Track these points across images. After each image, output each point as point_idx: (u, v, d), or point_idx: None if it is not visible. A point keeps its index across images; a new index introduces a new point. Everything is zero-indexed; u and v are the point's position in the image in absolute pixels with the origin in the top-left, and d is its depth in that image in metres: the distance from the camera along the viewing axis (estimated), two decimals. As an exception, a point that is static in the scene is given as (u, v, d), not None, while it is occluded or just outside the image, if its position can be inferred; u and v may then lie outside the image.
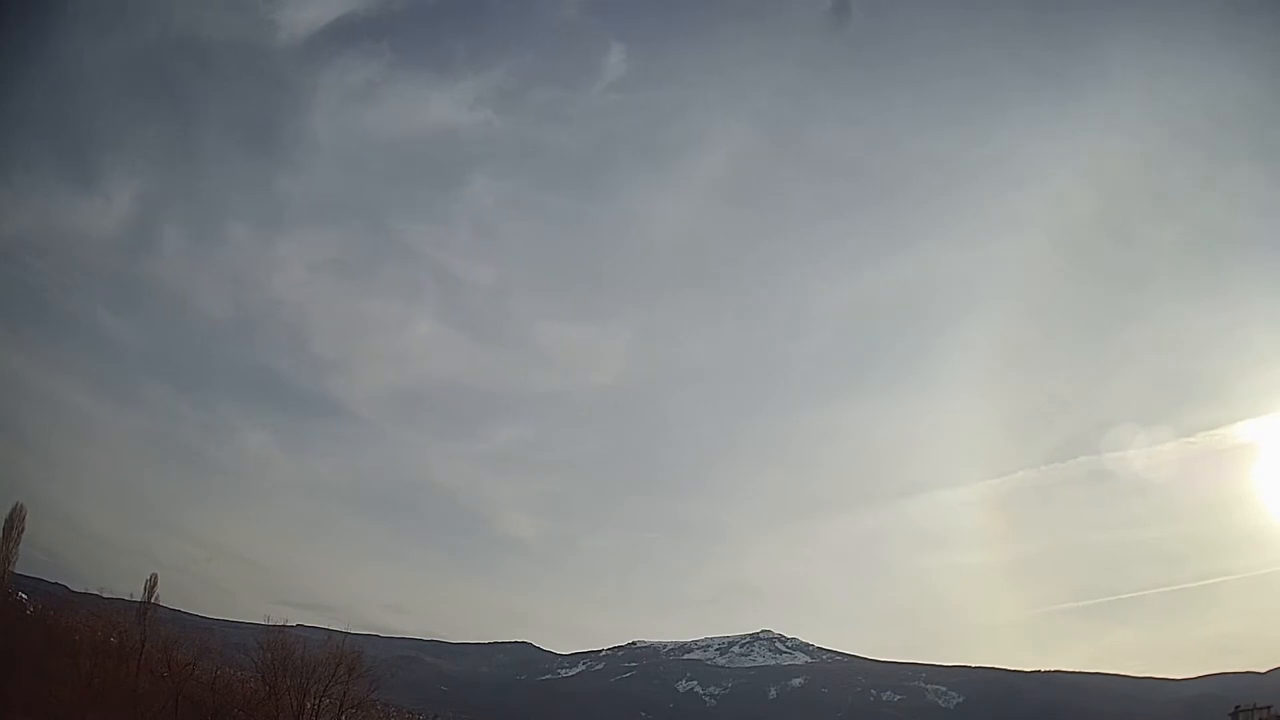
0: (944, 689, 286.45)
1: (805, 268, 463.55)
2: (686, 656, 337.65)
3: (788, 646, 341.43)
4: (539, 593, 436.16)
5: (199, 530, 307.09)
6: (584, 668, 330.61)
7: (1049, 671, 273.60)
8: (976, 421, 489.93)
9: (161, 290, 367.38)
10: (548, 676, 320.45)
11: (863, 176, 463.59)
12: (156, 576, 68.08)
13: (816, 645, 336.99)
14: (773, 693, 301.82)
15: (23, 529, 75.06)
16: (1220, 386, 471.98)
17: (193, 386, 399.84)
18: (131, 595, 64.22)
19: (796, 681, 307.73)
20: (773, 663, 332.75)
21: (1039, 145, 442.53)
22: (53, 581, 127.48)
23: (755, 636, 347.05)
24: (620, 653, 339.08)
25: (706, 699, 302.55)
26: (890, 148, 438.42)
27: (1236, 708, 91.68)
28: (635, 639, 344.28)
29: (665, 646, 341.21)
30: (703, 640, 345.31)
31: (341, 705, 59.03)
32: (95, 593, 72.80)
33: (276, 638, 59.35)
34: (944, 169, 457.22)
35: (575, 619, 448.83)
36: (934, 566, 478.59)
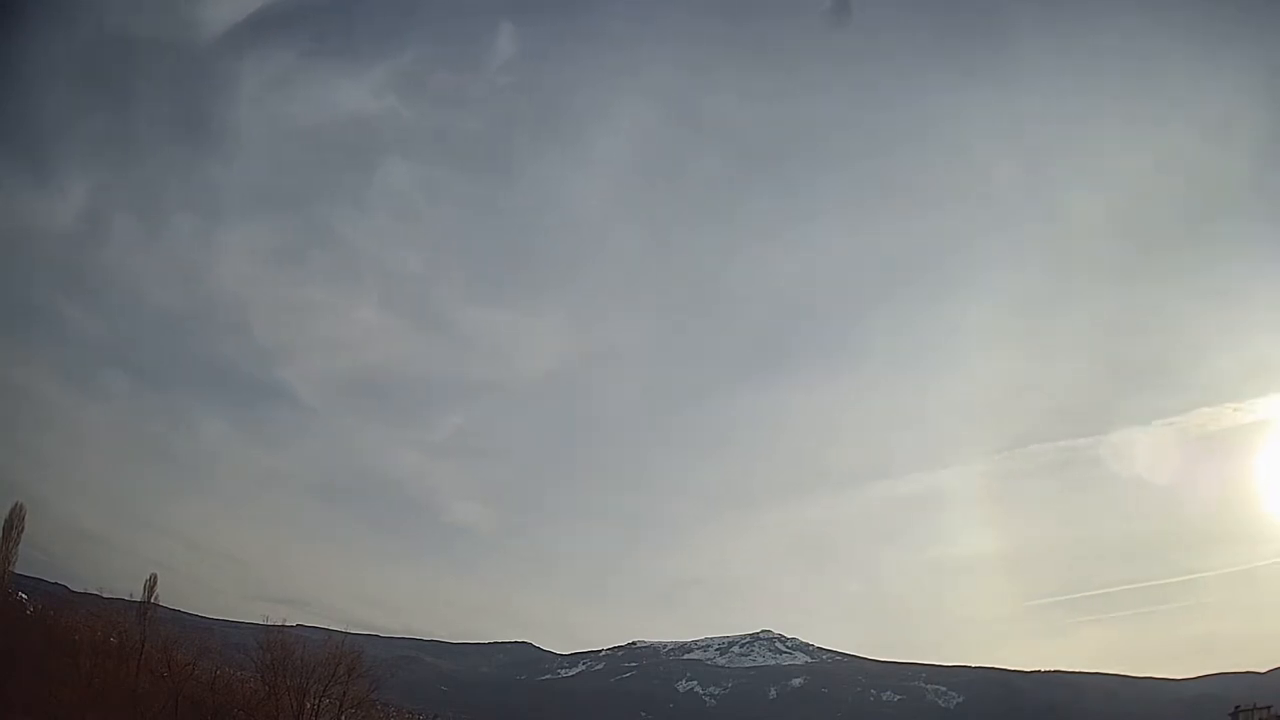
0: (944, 689, 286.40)
1: (727, 245, 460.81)
2: (686, 656, 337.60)
3: (788, 646, 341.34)
4: (494, 584, 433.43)
5: (173, 524, 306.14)
6: (584, 668, 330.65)
7: (1049, 671, 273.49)
8: (915, 407, 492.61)
9: (116, 281, 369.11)
10: (548, 676, 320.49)
11: (777, 150, 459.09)
12: (156, 576, 68.11)
13: (816, 645, 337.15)
14: (773, 693, 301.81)
15: (23, 529, 75.08)
16: (1181, 370, 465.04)
17: (152, 377, 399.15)
18: (131, 595, 64.27)
19: (796, 681, 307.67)
20: (773, 663, 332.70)
21: (963, 112, 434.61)
22: (53, 581, 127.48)
23: (755, 636, 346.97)
24: (620, 653, 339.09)
25: (706, 699, 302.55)
26: (799, 118, 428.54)
27: (1236, 708, 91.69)
28: (635, 639, 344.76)
29: (665, 646, 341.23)
30: (703, 640, 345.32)
31: (341, 705, 59.10)
32: (95, 593, 72.84)
33: (276, 638, 59.47)
34: (861, 138, 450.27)
35: (575, 619, 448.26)
36: (892, 559, 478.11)
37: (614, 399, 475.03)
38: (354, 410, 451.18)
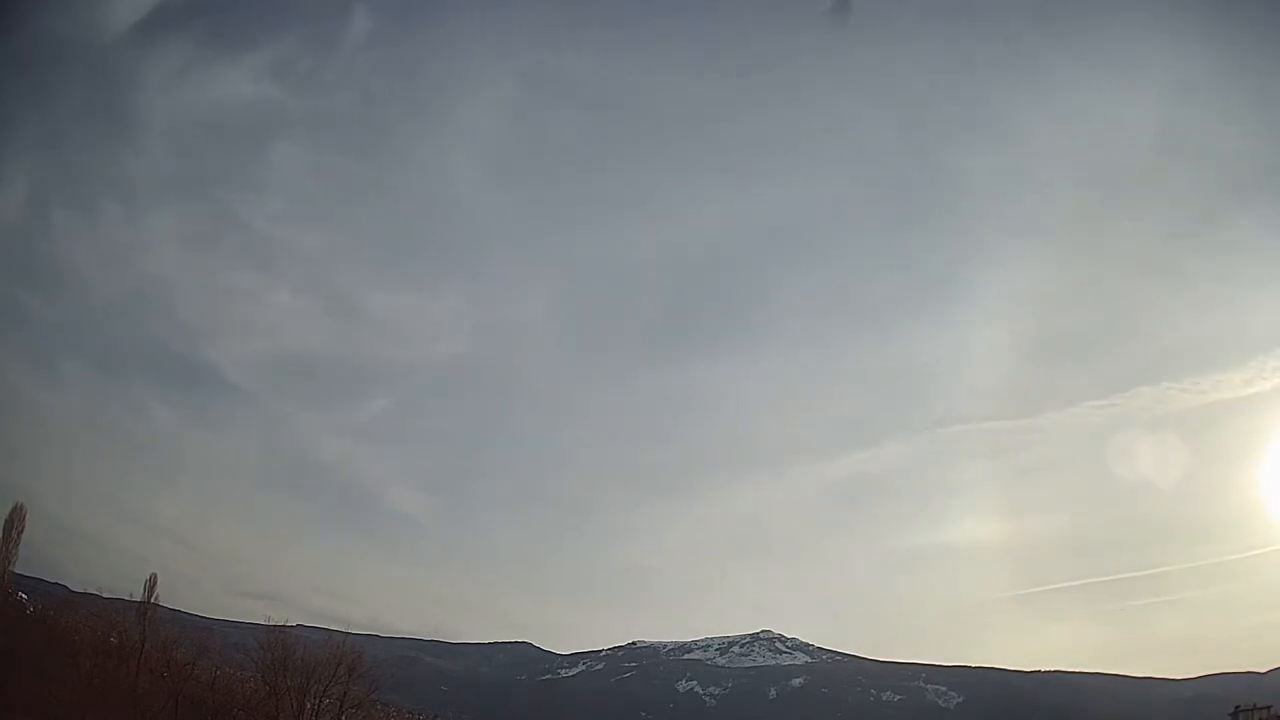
0: (944, 689, 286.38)
1: (616, 217, 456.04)
2: (686, 656, 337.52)
3: (788, 646, 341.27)
4: (437, 573, 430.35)
5: (138, 514, 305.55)
6: (584, 668, 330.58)
7: (1049, 671, 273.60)
8: (834, 386, 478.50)
9: (62, 270, 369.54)
10: (548, 676, 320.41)
11: (645, 113, 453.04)
12: (156, 576, 68.07)
13: (816, 645, 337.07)
14: (773, 693, 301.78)
15: (23, 529, 74.99)
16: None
17: (104, 364, 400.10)
18: (131, 595, 64.26)
19: (796, 681, 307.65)
20: (773, 663, 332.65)
21: (843, 70, 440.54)
22: (53, 581, 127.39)
23: (755, 636, 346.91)
24: (620, 653, 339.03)
25: (706, 699, 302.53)
26: (662, 78, 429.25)
27: (1236, 708, 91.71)
28: (635, 639, 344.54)
29: (665, 646, 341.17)
30: (703, 640, 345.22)
31: (341, 705, 59.07)
32: (95, 593, 72.80)
33: (276, 638, 59.46)
34: (740, 98, 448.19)
35: (574, 618, 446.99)
36: (836, 548, 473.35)
37: (527, 381, 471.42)
38: (284, 394, 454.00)
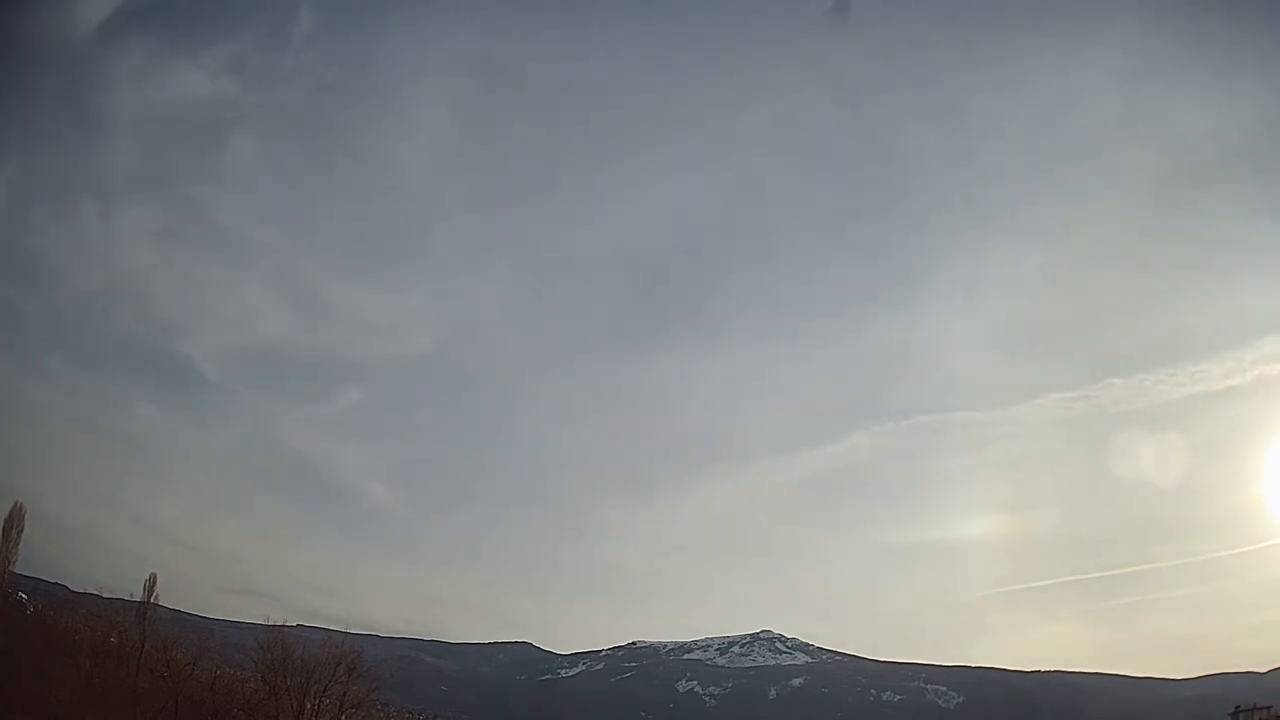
0: (944, 689, 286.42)
1: (569, 207, 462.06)
2: (686, 656, 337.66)
3: (788, 646, 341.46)
4: (419, 568, 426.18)
5: (127, 509, 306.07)
6: (584, 668, 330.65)
7: (1049, 671, 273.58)
8: (792, 378, 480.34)
9: (40, 264, 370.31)
10: (548, 676, 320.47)
11: (601, 107, 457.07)
12: (155, 576, 68.06)
13: (816, 645, 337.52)
14: (773, 693, 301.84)
15: (23, 529, 74.92)
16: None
17: (86, 359, 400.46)
18: (131, 595, 64.24)
19: (796, 681, 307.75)
20: (773, 663, 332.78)
21: (781, 58, 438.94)
22: (53, 581, 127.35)
23: (755, 636, 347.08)
24: (620, 653, 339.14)
25: (706, 699, 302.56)
26: (615, 71, 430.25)
27: (1236, 708, 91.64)
28: (635, 639, 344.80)
29: (665, 646, 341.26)
30: (703, 640, 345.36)
31: (341, 705, 59.07)
32: (95, 593, 72.77)
33: (276, 638, 59.46)
34: (689, 89, 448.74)
35: (575, 618, 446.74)
36: (811, 543, 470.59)
37: (494, 376, 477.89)
38: (258, 388, 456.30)
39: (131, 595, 63.76)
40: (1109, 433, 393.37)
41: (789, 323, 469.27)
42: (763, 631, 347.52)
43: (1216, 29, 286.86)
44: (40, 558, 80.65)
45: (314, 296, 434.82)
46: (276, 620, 64.91)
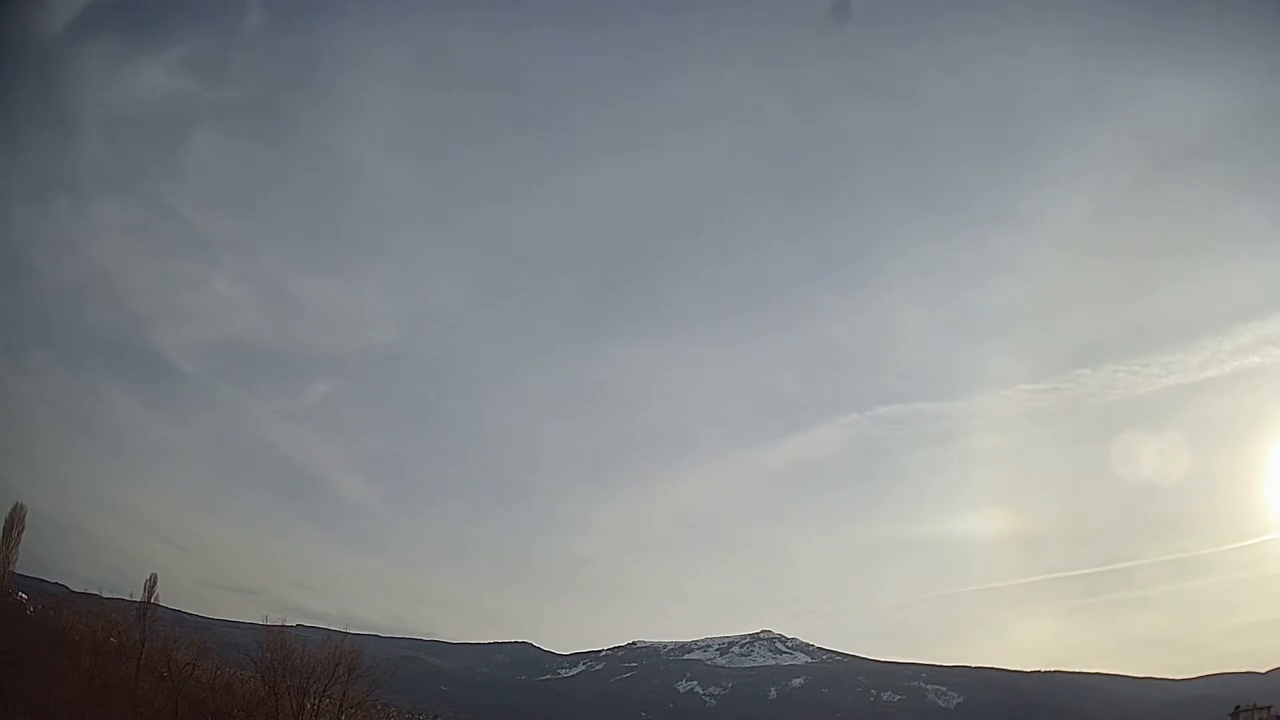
0: (944, 689, 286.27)
1: (520, 196, 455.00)
2: (686, 656, 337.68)
3: (788, 646, 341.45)
4: (395, 564, 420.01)
5: (115, 507, 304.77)
6: (584, 668, 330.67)
7: (1049, 671, 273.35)
8: (739, 365, 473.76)
9: (20, 261, 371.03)
10: (548, 676, 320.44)
11: (548, 94, 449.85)
12: (156, 576, 68.26)
13: (816, 645, 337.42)
14: (773, 693, 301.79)
15: (23, 529, 75.10)
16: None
17: (64, 353, 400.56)
18: (131, 595, 64.34)
19: (796, 682, 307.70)
20: (773, 663, 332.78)
21: (726, 49, 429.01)
22: (53, 581, 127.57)
23: (755, 637, 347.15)
24: (620, 653, 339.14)
25: (706, 699, 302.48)
26: (565, 60, 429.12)
27: (1237, 708, 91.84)
28: (635, 639, 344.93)
29: (665, 646, 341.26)
30: (703, 640, 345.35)
31: (341, 705, 59.09)
32: (95, 593, 72.83)
33: (277, 638, 59.43)
34: (628, 79, 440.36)
35: (575, 618, 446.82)
36: (787, 540, 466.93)
37: (458, 368, 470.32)
38: (231, 381, 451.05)
39: (131, 595, 63.99)
40: (1083, 427, 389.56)
41: (745, 313, 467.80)
42: (763, 632, 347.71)
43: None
44: (30, 555, 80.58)
45: (280, 290, 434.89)
46: (276, 620, 64.94)
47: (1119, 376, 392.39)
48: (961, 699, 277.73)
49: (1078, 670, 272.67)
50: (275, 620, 64.60)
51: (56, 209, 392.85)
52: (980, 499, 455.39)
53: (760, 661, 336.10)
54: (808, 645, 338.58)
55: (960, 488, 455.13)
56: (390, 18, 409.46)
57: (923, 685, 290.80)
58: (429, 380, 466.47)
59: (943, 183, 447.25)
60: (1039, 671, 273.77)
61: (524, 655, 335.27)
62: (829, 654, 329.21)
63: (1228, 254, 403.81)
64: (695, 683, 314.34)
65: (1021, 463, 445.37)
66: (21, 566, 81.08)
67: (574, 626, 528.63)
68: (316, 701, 57.74)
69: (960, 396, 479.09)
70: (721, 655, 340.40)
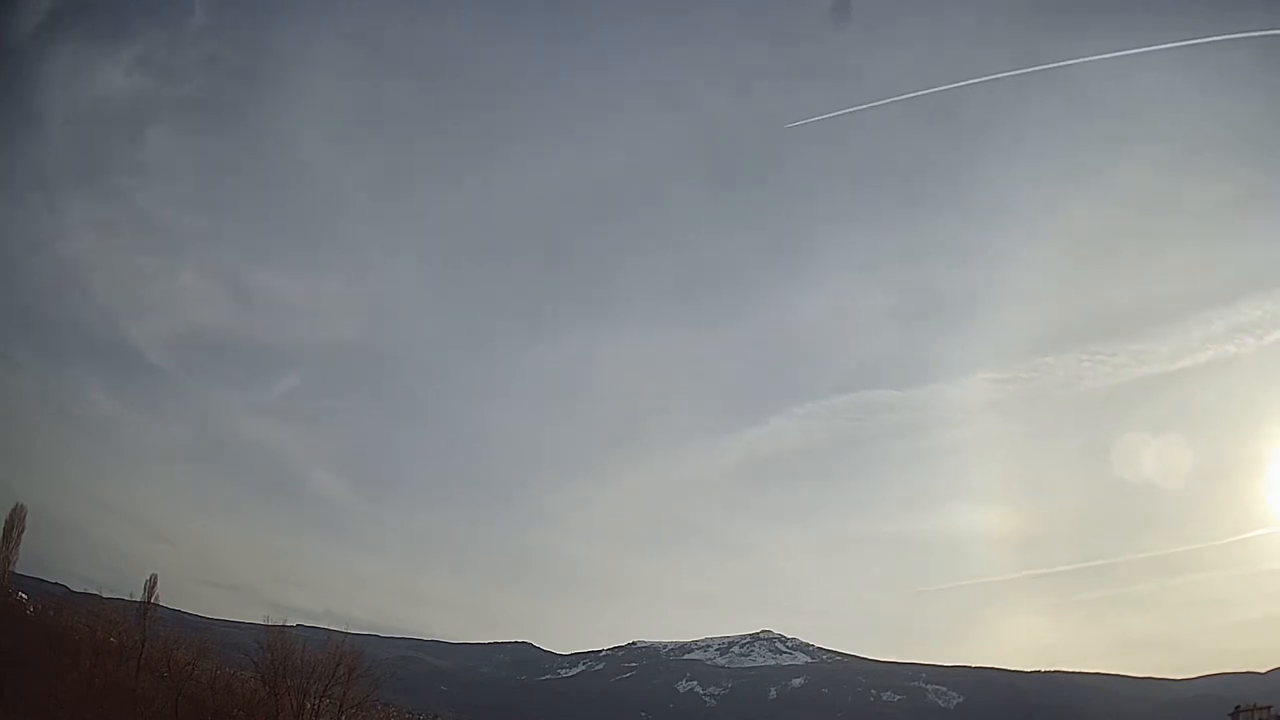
0: (944, 689, 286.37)
1: (461, 184, 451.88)
2: (686, 656, 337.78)
3: (788, 646, 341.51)
4: (367, 561, 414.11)
5: (102, 501, 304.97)
6: (584, 668, 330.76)
7: (1049, 671, 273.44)
8: (689, 355, 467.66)
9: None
10: (548, 676, 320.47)
11: (487, 82, 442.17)
12: (156, 577, 68.30)
13: (816, 645, 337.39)
14: (773, 693, 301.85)
15: (23, 529, 75.10)
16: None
17: (44, 348, 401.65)
18: (131, 595, 64.36)
19: (796, 682, 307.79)
20: (773, 663, 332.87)
21: (662, 38, 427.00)
22: (53, 581, 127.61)
23: (755, 637, 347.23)
24: (620, 653, 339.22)
25: (706, 699, 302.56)
26: (505, 48, 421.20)
27: (1237, 708, 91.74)
28: (635, 639, 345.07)
29: (665, 646, 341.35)
30: (703, 640, 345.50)
31: (341, 705, 59.12)
32: (95, 593, 72.89)
33: (277, 638, 59.46)
34: (567, 67, 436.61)
35: (575, 618, 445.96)
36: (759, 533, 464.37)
37: (418, 359, 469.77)
38: (201, 374, 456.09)
39: (131, 595, 64.03)
40: (1055, 418, 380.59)
41: (694, 301, 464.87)
42: (763, 632, 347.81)
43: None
44: (30, 556, 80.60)
45: (242, 283, 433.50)
46: (277, 620, 64.98)
47: (1086, 366, 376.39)
48: (961, 699, 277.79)
49: (1078, 670, 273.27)
50: (275, 620, 64.75)
51: (30, 205, 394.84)
52: (949, 493, 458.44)
53: (760, 661, 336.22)
54: (808, 645, 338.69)
55: (929, 482, 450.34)
56: (327, 5, 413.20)
57: (923, 685, 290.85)
58: (394, 373, 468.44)
59: (888, 167, 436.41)
60: (1039, 671, 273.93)
61: (524, 655, 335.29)
62: (829, 654, 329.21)
63: (1189, 239, 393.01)
64: (695, 683, 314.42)
65: (989, 458, 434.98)
66: (21, 566, 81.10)
67: (574, 626, 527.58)
68: (317, 702, 57.77)
69: (915, 384, 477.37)
70: (721, 655, 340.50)
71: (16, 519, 74.83)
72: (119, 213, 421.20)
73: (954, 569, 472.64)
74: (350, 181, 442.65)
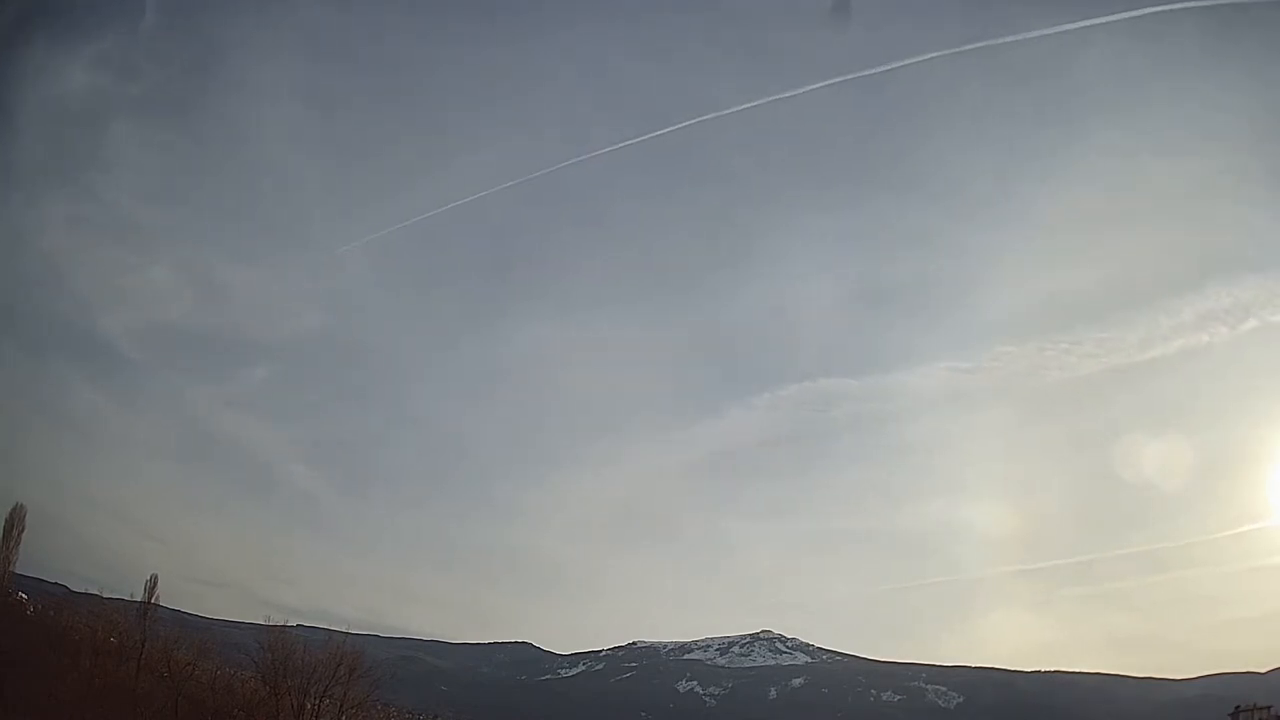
0: (944, 689, 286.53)
1: (414, 177, 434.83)
2: (686, 656, 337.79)
3: (788, 646, 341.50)
4: (355, 558, 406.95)
5: (91, 500, 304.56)
6: (584, 668, 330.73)
7: (1049, 671, 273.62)
8: (638, 343, 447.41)
9: None
10: (548, 676, 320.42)
11: (440, 80, 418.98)
12: (156, 577, 68.25)
13: (816, 645, 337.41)
14: (773, 693, 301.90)
15: (23, 529, 75.03)
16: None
17: (27, 341, 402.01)
18: (131, 595, 64.32)
19: (796, 682, 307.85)
20: (773, 663, 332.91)
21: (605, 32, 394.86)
22: (53, 581, 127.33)
23: (755, 637, 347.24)
24: (620, 653, 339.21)
25: (706, 699, 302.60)
26: (456, 48, 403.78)
27: (1237, 708, 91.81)
28: (635, 639, 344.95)
29: (665, 646, 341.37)
30: (703, 640, 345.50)
31: (342, 706, 59.09)
32: (95, 593, 72.83)
33: (277, 638, 59.46)
34: (514, 65, 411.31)
35: (575, 618, 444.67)
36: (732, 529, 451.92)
37: (384, 354, 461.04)
38: (175, 366, 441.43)
39: (132, 595, 63.98)
40: (1022, 411, 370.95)
41: (640, 293, 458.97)
42: (763, 632, 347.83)
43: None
44: (30, 556, 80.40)
45: (208, 276, 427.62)
46: (277, 620, 64.94)
47: (1047, 356, 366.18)
48: (961, 699, 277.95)
49: (1078, 670, 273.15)
50: (276, 620, 64.74)
51: (12, 201, 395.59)
52: (927, 489, 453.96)
53: (760, 661, 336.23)
54: (808, 645, 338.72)
55: (905, 478, 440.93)
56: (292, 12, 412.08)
57: (923, 685, 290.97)
58: (362, 366, 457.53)
59: (832, 150, 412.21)
60: (1039, 671, 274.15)
61: (524, 655, 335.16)
62: (829, 654, 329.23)
63: (1151, 223, 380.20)
64: (695, 683, 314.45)
65: (953, 451, 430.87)
66: (21, 566, 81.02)
67: (574, 626, 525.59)
68: (317, 702, 57.72)
69: (871, 371, 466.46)
70: (721, 655, 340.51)
71: (16, 518, 74.75)
72: (91, 208, 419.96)
73: (934, 565, 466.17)
74: (308, 175, 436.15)
